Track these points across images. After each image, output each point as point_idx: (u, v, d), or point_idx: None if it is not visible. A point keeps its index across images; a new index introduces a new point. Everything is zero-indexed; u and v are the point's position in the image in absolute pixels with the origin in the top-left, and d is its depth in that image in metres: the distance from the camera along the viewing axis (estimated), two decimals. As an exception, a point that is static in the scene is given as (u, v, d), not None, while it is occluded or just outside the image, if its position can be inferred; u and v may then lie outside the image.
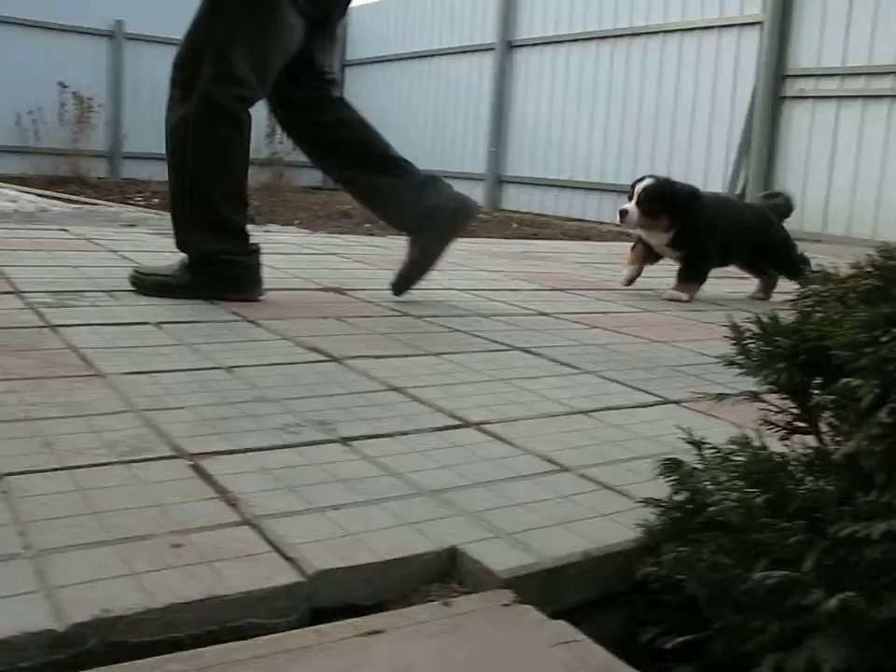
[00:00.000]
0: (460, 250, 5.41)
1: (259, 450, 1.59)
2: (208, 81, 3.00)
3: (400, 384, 2.12)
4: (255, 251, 3.18)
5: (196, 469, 1.48)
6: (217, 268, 3.07)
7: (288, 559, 1.19)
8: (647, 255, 4.28)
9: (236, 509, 1.33)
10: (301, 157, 12.54)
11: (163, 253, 3.96)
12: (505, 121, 11.42)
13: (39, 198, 6.98)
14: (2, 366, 2.04)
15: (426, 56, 12.79)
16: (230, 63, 3.02)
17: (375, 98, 13.51)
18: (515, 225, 9.15)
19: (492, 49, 11.54)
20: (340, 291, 3.43)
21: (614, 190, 9.70)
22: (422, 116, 12.78)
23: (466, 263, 4.72)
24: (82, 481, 1.40)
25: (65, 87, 11.64)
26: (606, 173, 10.16)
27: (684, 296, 4.09)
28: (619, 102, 9.98)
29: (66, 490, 1.36)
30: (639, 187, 4.11)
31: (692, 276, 4.19)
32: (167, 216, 6.46)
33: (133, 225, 5.82)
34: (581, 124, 10.48)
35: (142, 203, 8.65)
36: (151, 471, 1.46)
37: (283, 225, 7.19)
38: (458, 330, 2.85)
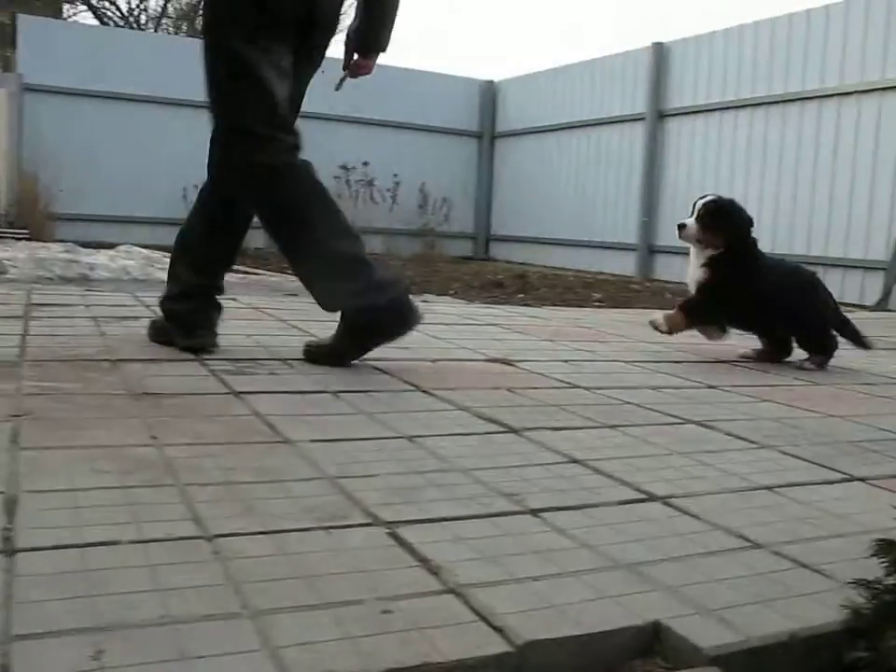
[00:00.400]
0: (618, 321, 5.41)
1: (452, 519, 1.62)
2: None
3: (581, 456, 2.12)
4: None
5: (394, 536, 1.52)
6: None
7: (496, 629, 1.20)
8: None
9: (438, 577, 1.36)
10: (452, 227, 12.65)
11: (327, 323, 4.06)
12: (656, 190, 11.38)
13: (207, 268, 7.23)
14: (196, 430, 2.13)
15: (575, 127, 12.86)
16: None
17: (525, 169, 13.67)
18: (669, 295, 9.07)
19: (642, 118, 11.55)
20: (506, 362, 3.46)
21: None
22: (572, 186, 12.84)
23: (627, 334, 4.70)
24: (286, 545, 1.45)
25: (226, 162, 12.10)
26: (763, 240, 9.99)
27: (662, 326, 4.08)
28: (774, 169, 9.83)
29: (273, 553, 1.41)
30: (700, 202, 4.13)
31: (681, 307, 4.14)
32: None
33: (295, 295, 5.98)
34: (734, 192, 10.28)
35: (300, 273, 8.88)
36: (351, 538, 1.50)
37: (438, 295, 7.29)
38: (630, 403, 2.84)
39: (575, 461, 2.08)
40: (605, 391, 3.02)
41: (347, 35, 3.39)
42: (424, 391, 2.79)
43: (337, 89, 3.51)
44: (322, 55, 3.36)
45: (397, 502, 1.69)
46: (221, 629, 1.16)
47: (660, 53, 11.27)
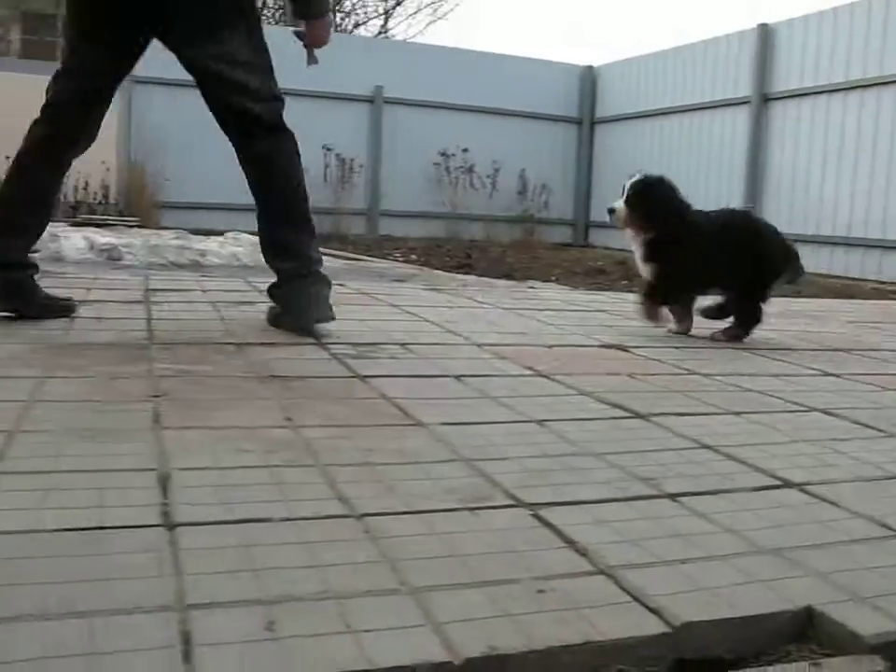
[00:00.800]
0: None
1: (592, 502, 1.63)
2: None
3: (710, 441, 2.11)
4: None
5: (538, 518, 1.53)
6: None
7: (651, 610, 1.21)
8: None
9: (588, 558, 1.37)
10: (551, 214, 12.57)
11: (439, 308, 4.10)
12: (761, 176, 11.19)
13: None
14: (328, 413, 2.17)
15: (676, 112, 12.71)
16: None
17: (625, 154, 13.55)
18: (773, 282, 8.92)
19: (746, 102, 11.36)
20: (620, 348, 3.45)
21: (879, 246, 9.36)
22: (672, 171, 12.63)
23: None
24: (434, 524, 1.47)
25: (329, 149, 12.25)
26: (869, 228, 9.78)
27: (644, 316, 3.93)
28: (885, 154, 9.59)
29: (423, 533, 1.43)
30: (628, 183, 3.91)
31: (651, 292, 3.94)
32: (436, 272, 6.70)
33: (402, 280, 6.04)
34: (842, 178, 10.14)
35: (401, 258, 8.96)
36: (496, 519, 1.52)
37: (542, 281, 7.29)
38: (751, 390, 2.81)
39: (706, 447, 2.07)
40: (722, 378, 2.99)
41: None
42: (544, 376, 2.80)
43: (309, 64, 3.48)
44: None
45: (536, 484, 1.71)
46: (383, 604, 1.19)
47: (765, 35, 11.06)
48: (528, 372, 2.84)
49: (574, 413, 2.32)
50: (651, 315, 3.94)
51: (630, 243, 4.02)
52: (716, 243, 3.82)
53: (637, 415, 2.34)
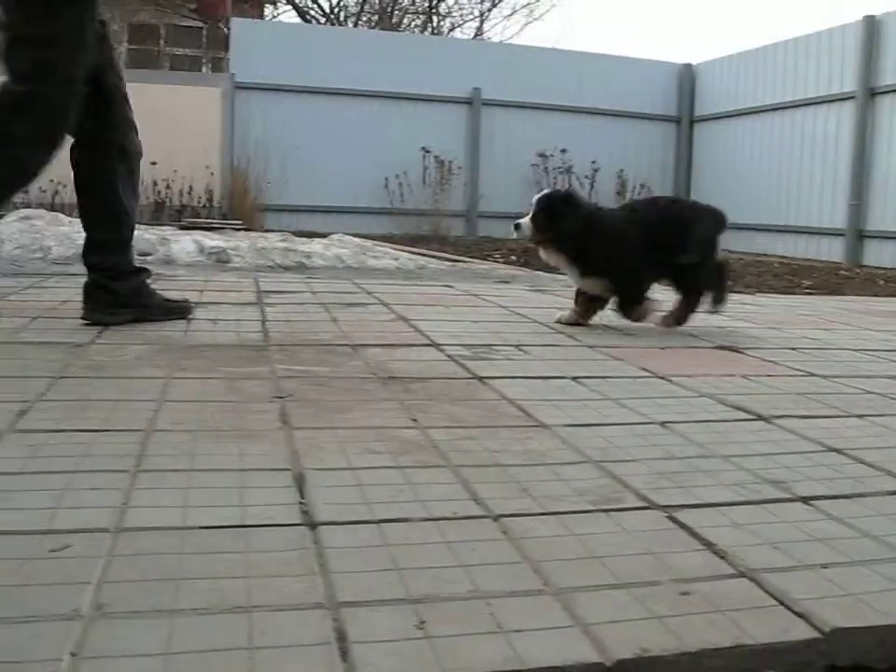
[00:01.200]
0: (837, 308, 5.26)
1: (724, 505, 1.62)
2: None
3: (837, 444, 2.08)
4: None
5: (673, 520, 1.53)
6: None
7: (797, 614, 1.21)
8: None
9: (727, 561, 1.37)
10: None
11: (546, 309, 4.10)
12: (866, 172, 10.94)
13: (417, 256, 7.40)
14: (452, 414, 2.19)
15: (777, 108, 12.49)
16: None
17: (724, 152, 13.39)
18: (881, 282, 8.74)
19: (851, 97, 11.12)
20: (734, 349, 3.42)
21: None
22: (774, 169, 12.47)
23: (849, 322, 4.57)
24: (570, 525, 1.48)
25: (428, 151, 12.32)
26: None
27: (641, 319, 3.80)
28: None
29: (560, 534, 1.45)
30: (535, 199, 3.78)
31: (626, 310, 3.83)
32: (537, 273, 6.69)
33: (506, 282, 6.05)
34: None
35: (501, 260, 8.96)
36: (630, 520, 1.52)
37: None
38: (871, 392, 2.76)
39: (833, 450, 2.04)
40: (841, 380, 2.94)
41: None
42: (661, 377, 2.79)
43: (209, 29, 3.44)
44: None
45: (666, 486, 1.71)
46: (530, 605, 1.20)
47: (871, 27, 10.80)
48: (645, 374, 2.83)
49: (696, 415, 2.31)
50: (646, 314, 3.85)
51: (547, 258, 3.91)
52: (645, 232, 3.76)
53: (760, 417, 2.32)
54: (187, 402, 2.24)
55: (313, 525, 1.44)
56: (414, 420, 2.12)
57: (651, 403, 2.41)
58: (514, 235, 3.86)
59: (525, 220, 3.76)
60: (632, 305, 3.83)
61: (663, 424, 2.19)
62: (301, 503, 1.55)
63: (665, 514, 1.56)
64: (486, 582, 1.26)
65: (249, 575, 1.26)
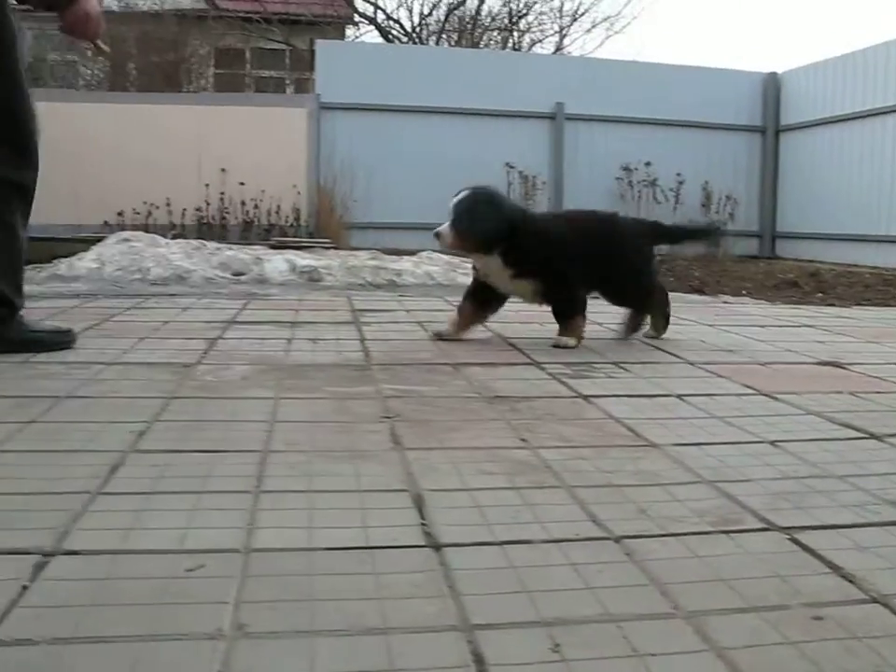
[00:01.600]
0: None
1: (846, 527, 1.61)
2: None
3: (957, 464, 2.05)
4: None
5: (795, 542, 1.52)
6: None
7: (939, 640, 1.19)
8: (481, 301, 3.66)
9: (856, 585, 1.35)
10: (736, 225, 12.29)
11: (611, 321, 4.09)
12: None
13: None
14: (560, 433, 2.20)
15: (869, 115, 12.27)
16: None
17: (812, 162, 13.18)
18: (980, 293, 8.53)
19: (943, 103, 10.90)
20: (837, 365, 3.37)
21: None
22: (865, 178, 12.25)
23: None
24: (693, 547, 1.48)
25: (512, 167, 12.33)
26: None
27: (571, 341, 3.51)
28: None
29: (683, 556, 1.45)
30: (452, 203, 3.45)
31: (566, 311, 3.60)
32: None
33: (595, 297, 6.02)
34: None
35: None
36: (752, 542, 1.52)
37: (733, 296, 7.15)
38: (985, 408, 2.70)
39: (954, 470, 2.01)
40: (952, 396, 2.89)
41: None
42: (766, 395, 2.76)
43: (92, 55, 3.37)
44: None
45: (784, 507, 1.70)
46: (662, 628, 1.21)
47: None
48: (750, 391, 2.81)
49: (806, 434, 2.28)
50: (579, 332, 3.63)
51: (478, 266, 3.69)
52: (581, 238, 3.62)
53: (872, 436, 2.28)
54: (298, 423, 2.28)
55: (437, 547, 1.46)
56: (524, 440, 2.13)
57: (758, 421, 2.39)
58: (436, 244, 3.65)
59: (445, 227, 3.46)
60: (571, 306, 3.64)
61: (773, 443, 2.17)
62: (422, 524, 1.57)
63: (787, 536, 1.55)
64: (616, 605, 1.26)
65: (381, 597, 1.28)
